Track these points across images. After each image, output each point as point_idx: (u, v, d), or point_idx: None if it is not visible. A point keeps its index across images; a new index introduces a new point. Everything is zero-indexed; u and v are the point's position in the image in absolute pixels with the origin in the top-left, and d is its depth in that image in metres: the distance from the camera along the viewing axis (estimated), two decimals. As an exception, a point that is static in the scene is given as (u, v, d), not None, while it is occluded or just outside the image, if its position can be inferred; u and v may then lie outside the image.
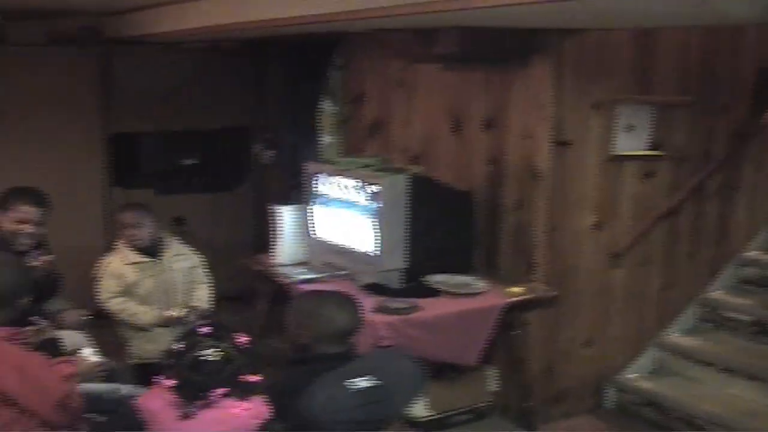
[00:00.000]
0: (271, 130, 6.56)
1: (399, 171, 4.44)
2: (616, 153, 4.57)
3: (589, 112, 4.46)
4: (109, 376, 3.44)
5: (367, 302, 3.86)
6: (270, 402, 2.54)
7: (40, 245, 3.93)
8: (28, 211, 3.81)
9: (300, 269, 4.68)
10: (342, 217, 4.57)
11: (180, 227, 5.91)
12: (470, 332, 4.19)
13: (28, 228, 3.81)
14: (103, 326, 4.12)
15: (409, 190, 4.27)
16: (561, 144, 4.39)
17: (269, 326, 4.69)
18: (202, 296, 4.31)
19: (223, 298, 4.66)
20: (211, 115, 6.36)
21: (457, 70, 4.70)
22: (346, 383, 2.56)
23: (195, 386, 2.46)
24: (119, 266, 4.16)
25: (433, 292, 4.29)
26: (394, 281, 4.34)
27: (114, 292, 4.13)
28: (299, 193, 4.93)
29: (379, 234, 4.26)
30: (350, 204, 4.47)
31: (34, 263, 3.71)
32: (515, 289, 4.36)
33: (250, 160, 6.65)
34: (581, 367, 4.78)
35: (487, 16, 3.36)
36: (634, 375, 4.92)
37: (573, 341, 4.71)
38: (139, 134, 6.22)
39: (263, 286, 5.01)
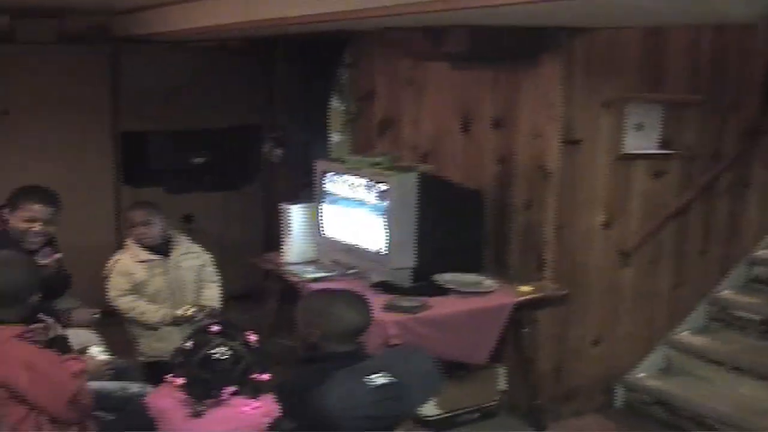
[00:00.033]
0: (280, 128, 6.55)
1: (408, 169, 4.42)
2: (626, 151, 4.55)
3: (599, 111, 4.44)
4: (117, 375, 3.46)
5: (377, 301, 3.85)
6: (280, 400, 2.55)
7: (49, 243, 3.95)
8: (37, 209, 3.82)
9: (309, 268, 4.67)
10: (351, 215, 4.56)
11: (189, 225, 5.93)
12: (480, 331, 4.18)
13: (37, 226, 3.82)
14: (113, 324, 4.13)
15: (419, 189, 4.26)
16: (570, 143, 4.37)
17: (279, 325, 4.70)
18: (212, 295, 4.31)
19: (232, 296, 4.66)
20: (220, 114, 6.35)
21: (467, 69, 4.69)
22: (364, 379, 2.56)
23: (205, 384, 2.47)
24: (128, 264, 4.17)
25: (442, 291, 4.27)
26: (404, 280, 4.33)
27: (123, 290, 4.14)
28: (308, 192, 4.92)
29: (388, 232, 4.26)
30: (360, 202, 4.46)
31: (44, 262, 3.73)
32: (525, 288, 4.35)
33: (260, 158, 6.64)
34: (591, 366, 4.76)
35: (495, 14, 3.34)
36: (643, 374, 4.90)
37: (582, 340, 4.70)
38: (148, 133, 6.21)
39: (273, 285, 5.00)
